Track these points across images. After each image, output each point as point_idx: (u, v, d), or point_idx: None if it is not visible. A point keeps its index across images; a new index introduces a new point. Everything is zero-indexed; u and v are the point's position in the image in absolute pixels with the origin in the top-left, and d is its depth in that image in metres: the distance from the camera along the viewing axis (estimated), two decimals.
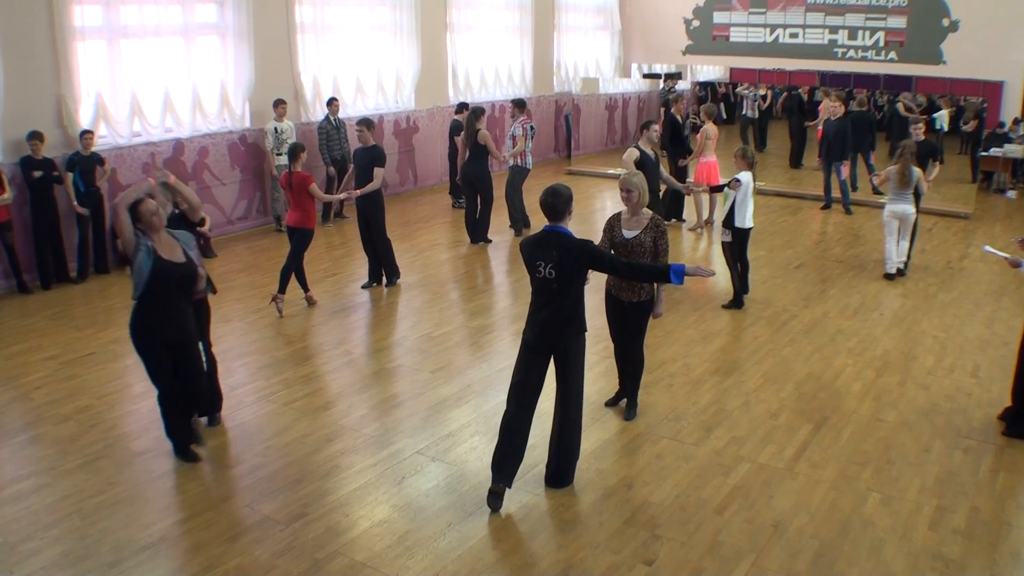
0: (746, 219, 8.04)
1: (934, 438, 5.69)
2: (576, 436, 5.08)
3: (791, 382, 6.57)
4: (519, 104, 10.90)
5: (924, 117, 12.42)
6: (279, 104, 10.97)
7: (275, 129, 10.96)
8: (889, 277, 9.14)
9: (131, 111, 9.85)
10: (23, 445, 5.62)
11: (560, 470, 5.07)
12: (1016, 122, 13.96)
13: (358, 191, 8.40)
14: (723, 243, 8.24)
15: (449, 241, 10.83)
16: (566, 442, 5.04)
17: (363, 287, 8.84)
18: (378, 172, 8.41)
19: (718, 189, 8.44)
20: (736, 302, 8.22)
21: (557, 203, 4.69)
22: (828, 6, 15.21)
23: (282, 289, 7.96)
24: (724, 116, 19.50)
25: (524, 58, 15.99)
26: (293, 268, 8.03)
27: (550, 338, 4.82)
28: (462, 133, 10.88)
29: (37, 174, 8.67)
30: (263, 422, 5.88)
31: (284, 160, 10.63)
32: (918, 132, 9.80)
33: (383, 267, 8.84)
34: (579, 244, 4.72)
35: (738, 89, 18.47)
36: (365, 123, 8.58)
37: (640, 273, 5.34)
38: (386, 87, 13.15)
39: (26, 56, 8.80)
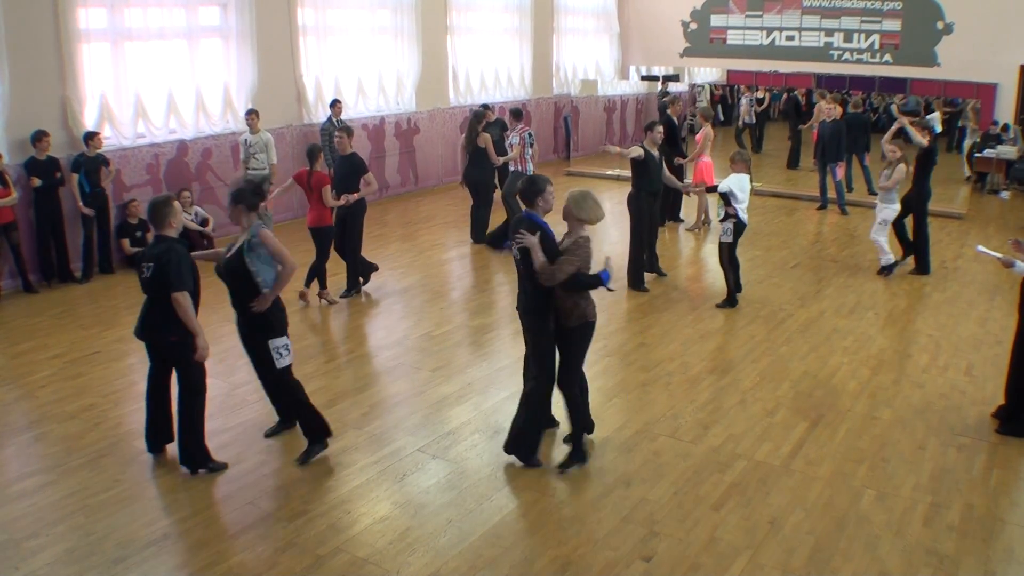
0: (745, 216, 8.16)
1: (929, 436, 5.75)
2: (531, 411, 5.22)
3: (787, 380, 6.63)
4: (516, 114, 10.80)
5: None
6: (250, 114, 10.44)
7: (244, 141, 10.51)
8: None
9: (135, 113, 9.91)
10: (28, 443, 5.67)
11: (511, 437, 5.32)
12: (1006, 126, 14.02)
13: (355, 196, 8.29)
14: (721, 243, 8.19)
15: (450, 241, 10.91)
16: (519, 413, 5.28)
17: (342, 296, 8.60)
18: (370, 178, 8.46)
19: (712, 190, 8.52)
20: (730, 301, 8.30)
21: (526, 191, 5.06)
22: (824, 9, 15.31)
23: (323, 285, 8.40)
24: (721, 118, 19.57)
25: (524, 60, 16.05)
26: (322, 265, 8.34)
27: (520, 314, 5.18)
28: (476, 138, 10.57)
29: (37, 182, 8.69)
30: (265, 420, 5.92)
31: (251, 174, 10.25)
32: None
33: (358, 272, 8.71)
34: (540, 231, 4.96)
35: (741, 98, 18.55)
36: (346, 131, 8.50)
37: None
38: (387, 89, 13.20)
39: (31, 58, 8.86)
